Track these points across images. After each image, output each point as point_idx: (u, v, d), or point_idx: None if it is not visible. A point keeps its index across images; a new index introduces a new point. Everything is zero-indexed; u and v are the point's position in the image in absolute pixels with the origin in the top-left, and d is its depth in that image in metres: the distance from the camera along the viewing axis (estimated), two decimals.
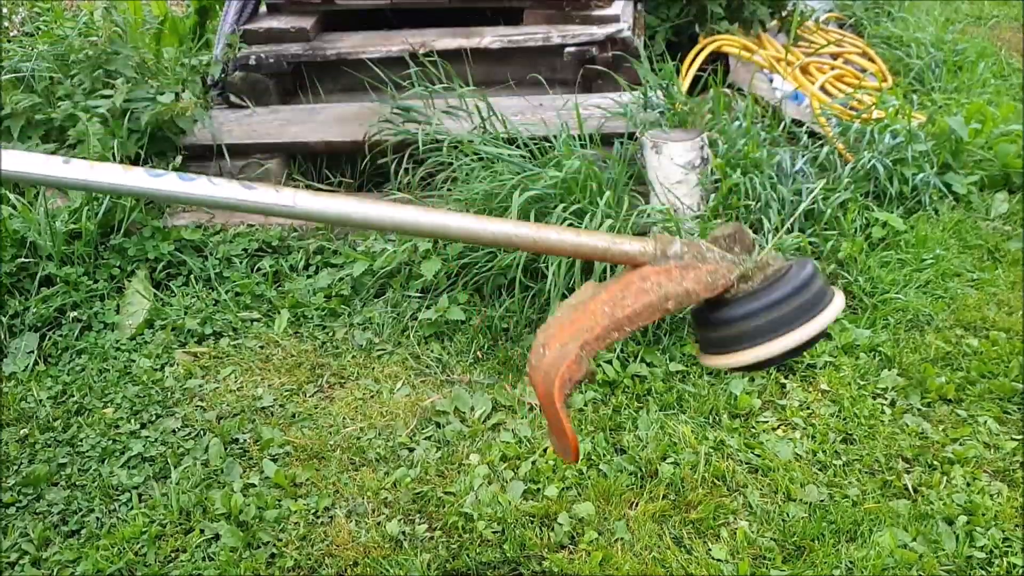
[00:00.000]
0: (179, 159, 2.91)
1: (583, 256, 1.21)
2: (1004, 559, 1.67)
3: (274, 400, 2.16)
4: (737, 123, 2.76)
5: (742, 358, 1.03)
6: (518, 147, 2.64)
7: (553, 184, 2.38)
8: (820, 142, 2.96)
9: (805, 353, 1.37)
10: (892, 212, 2.77)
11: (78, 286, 2.48)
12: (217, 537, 1.77)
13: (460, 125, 2.82)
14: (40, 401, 2.17)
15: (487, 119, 2.77)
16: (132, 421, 2.11)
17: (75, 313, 2.44)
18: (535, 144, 2.63)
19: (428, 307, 2.40)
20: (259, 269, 2.65)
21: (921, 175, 2.87)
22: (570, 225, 2.31)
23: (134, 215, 2.69)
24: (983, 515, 1.75)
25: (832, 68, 3.64)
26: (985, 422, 2.02)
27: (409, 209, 1.04)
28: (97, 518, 1.84)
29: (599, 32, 3.22)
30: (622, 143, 2.66)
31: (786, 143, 2.93)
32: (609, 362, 2.17)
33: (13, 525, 1.83)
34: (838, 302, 1.04)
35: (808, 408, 2.08)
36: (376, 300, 2.50)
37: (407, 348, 2.31)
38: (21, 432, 2.09)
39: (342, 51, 3.30)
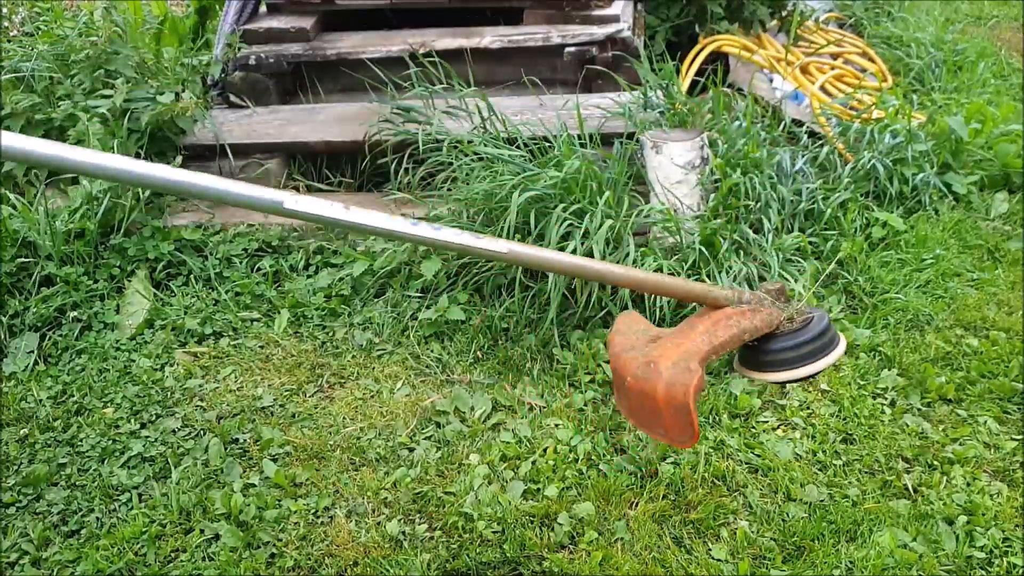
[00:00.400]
0: (179, 159, 2.91)
1: (679, 296, 1.66)
2: (1004, 559, 1.67)
3: (274, 400, 2.16)
4: (737, 123, 2.76)
5: (779, 376, 1.48)
6: (518, 147, 2.64)
7: (553, 184, 2.38)
8: (820, 142, 2.97)
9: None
10: (892, 212, 2.77)
11: (78, 286, 2.48)
12: (217, 537, 1.77)
13: (460, 125, 2.82)
14: (40, 401, 2.17)
15: (487, 119, 2.77)
16: (132, 421, 2.11)
17: (75, 313, 2.44)
18: (535, 144, 2.63)
19: (428, 307, 2.40)
20: (259, 269, 2.65)
21: (921, 175, 2.87)
22: (569, 225, 2.32)
23: (134, 215, 2.69)
24: (983, 515, 1.75)
25: (832, 68, 3.64)
26: (985, 422, 2.02)
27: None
28: (97, 518, 1.84)
29: (599, 32, 3.22)
30: (622, 143, 2.67)
31: (786, 143, 2.93)
32: (608, 361, 2.17)
33: (13, 525, 1.83)
34: (842, 346, 1.49)
35: (808, 408, 2.08)
36: (376, 300, 2.50)
37: (407, 348, 2.31)
38: (21, 432, 2.09)
39: (342, 51, 3.30)
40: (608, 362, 2.18)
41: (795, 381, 1.50)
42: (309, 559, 1.72)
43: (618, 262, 2.26)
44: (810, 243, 2.52)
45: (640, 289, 1.66)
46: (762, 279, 2.27)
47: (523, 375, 2.19)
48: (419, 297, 2.46)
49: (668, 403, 1.37)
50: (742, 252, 2.36)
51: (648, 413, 1.42)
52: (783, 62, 3.45)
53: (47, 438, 2.07)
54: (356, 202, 2.88)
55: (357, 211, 1.25)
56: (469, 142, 2.65)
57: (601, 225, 2.28)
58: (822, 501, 1.81)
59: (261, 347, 2.35)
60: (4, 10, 3.82)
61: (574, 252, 2.23)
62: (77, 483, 1.94)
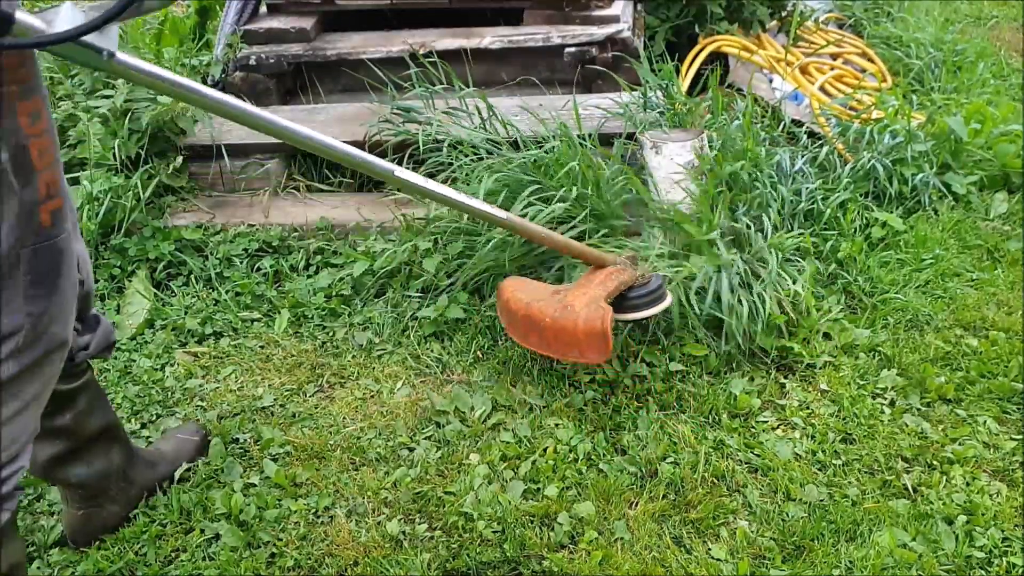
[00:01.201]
0: (179, 159, 2.91)
1: (574, 254, 2.07)
2: (1004, 559, 1.68)
3: (274, 400, 2.17)
4: (736, 123, 2.76)
5: (638, 315, 2.08)
6: (517, 147, 2.65)
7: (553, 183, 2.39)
8: (820, 142, 2.97)
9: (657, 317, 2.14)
10: (892, 212, 2.77)
11: None
12: (217, 537, 1.77)
13: (460, 125, 2.82)
14: None
15: (487, 119, 2.77)
16: (132, 421, 2.12)
17: None
18: (535, 144, 2.64)
19: (428, 306, 2.40)
20: (259, 269, 2.66)
21: (921, 175, 2.87)
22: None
23: (134, 215, 2.69)
24: (983, 515, 1.76)
25: (832, 68, 3.65)
26: (985, 422, 2.02)
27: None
28: None
29: (599, 32, 3.22)
30: (622, 143, 2.67)
31: (785, 143, 2.93)
32: (610, 362, 2.17)
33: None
34: (670, 298, 2.11)
35: (808, 408, 2.08)
36: (376, 300, 2.50)
37: (407, 348, 2.31)
38: None
39: (342, 51, 3.31)
40: (610, 362, 2.19)
41: (647, 318, 2.10)
42: (309, 559, 1.73)
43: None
44: (811, 243, 2.52)
45: (554, 247, 2.03)
46: (756, 276, 2.27)
47: (523, 375, 2.19)
48: (419, 297, 2.47)
49: (587, 332, 1.91)
50: (738, 250, 2.36)
51: (565, 344, 1.96)
52: (783, 62, 3.46)
53: None
54: (356, 202, 2.89)
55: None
56: (472, 147, 2.66)
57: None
58: (822, 501, 1.81)
59: (261, 347, 2.36)
60: None
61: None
62: None
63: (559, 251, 2.09)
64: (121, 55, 1.24)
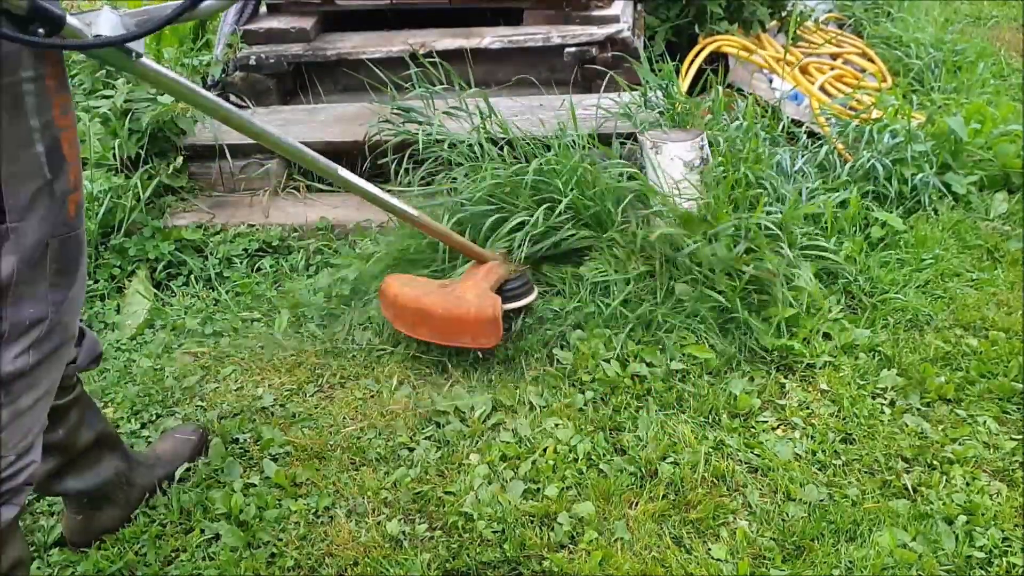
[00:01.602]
0: (180, 159, 2.91)
1: (452, 245, 2.27)
2: (1004, 559, 1.68)
3: (274, 400, 2.17)
4: (737, 123, 2.76)
5: (514, 304, 2.24)
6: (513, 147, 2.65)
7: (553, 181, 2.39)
8: (819, 142, 2.97)
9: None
10: (891, 212, 2.77)
11: None
12: (217, 537, 1.77)
13: (460, 125, 2.82)
14: None
15: (487, 118, 2.77)
16: (132, 421, 2.12)
17: None
18: (535, 145, 2.63)
19: None
20: (259, 269, 2.66)
21: (920, 175, 2.87)
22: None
23: (134, 215, 2.69)
24: (983, 515, 1.76)
25: (831, 68, 3.65)
26: (985, 422, 2.02)
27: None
28: None
29: (599, 32, 3.23)
30: (622, 143, 2.67)
31: (785, 143, 2.93)
32: (608, 361, 2.17)
33: None
34: (536, 291, 2.33)
35: (808, 408, 2.08)
36: (376, 300, 2.49)
37: (407, 348, 2.31)
38: None
39: (342, 51, 3.31)
40: (608, 361, 2.19)
41: (523, 307, 2.28)
42: (309, 559, 1.73)
43: None
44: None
45: (445, 241, 2.25)
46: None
47: (523, 375, 2.19)
48: None
49: (479, 319, 2.11)
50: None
51: (457, 331, 2.14)
52: (782, 62, 3.46)
53: None
54: (356, 202, 2.89)
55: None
56: (469, 146, 2.65)
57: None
58: (822, 501, 1.81)
59: (261, 347, 2.36)
60: None
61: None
62: None
63: (447, 243, 2.31)
64: (146, 59, 1.34)
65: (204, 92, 1.50)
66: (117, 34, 1.24)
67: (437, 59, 2.98)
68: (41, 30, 1.14)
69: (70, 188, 1.31)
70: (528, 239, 2.35)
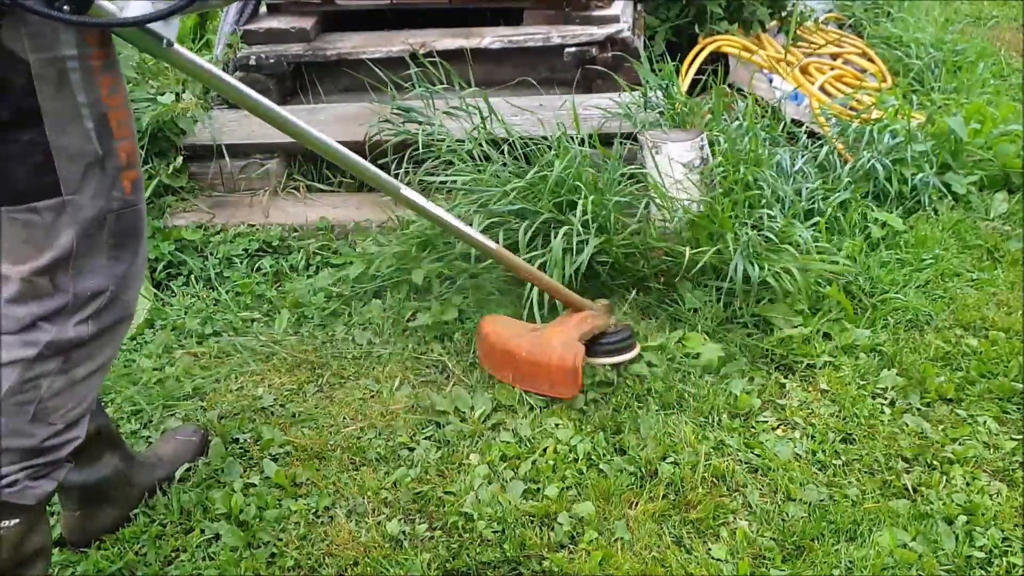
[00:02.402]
0: (180, 159, 2.91)
1: (554, 293, 2.21)
2: (1004, 559, 1.68)
3: (274, 400, 2.17)
4: (737, 123, 2.76)
5: (610, 360, 2.15)
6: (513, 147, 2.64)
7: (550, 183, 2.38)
8: (820, 142, 2.97)
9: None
10: (892, 212, 2.77)
11: None
12: (217, 537, 1.77)
13: (460, 125, 2.82)
14: None
15: (487, 117, 2.77)
16: (132, 421, 2.12)
17: None
18: (535, 144, 2.64)
19: (426, 310, 2.40)
20: (259, 269, 2.66)
21: (921, 175, 2.87)
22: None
23: None
24: (983, 515, 1.76)
25: (832, 68, 3.65)
26: (985, 422, 2.02)
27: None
28: None
29: (599, 32, 3.22)
30: (622, 143, 2.67)
31: (786, 143, 2.93)
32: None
33: None
34: (638, 348, 2.20)
35: (808, 408, 2.08)
36: (376, 300, 2.50)
37: (407, 348, 2.31)
38: None
39: (342, 51, 3.31)
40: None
41: (619, 364, 2.16)
42: (309, 559, 1.73)
43: None
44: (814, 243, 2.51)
45: (537, 284, 2.19)
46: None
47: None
48: (416, 297, 2.47)
49: (560, 368, 2.05)
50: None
51: (538, 377, 2.10)
52: (783, 62, 3.46)
53: None
54: (356, 202, 2.90)
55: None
56: (467, 152, 2.65)
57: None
58: (822, 501, 1.81)
59: (261, 347, 2.36)
60: None
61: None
62: None
63: (539, 287, 2.21)
64: (178, 47, 1.40)
65: (235, 82, 1.56)
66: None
67: (437, 59, 2.98)
68: (66, 7, 1.18)
69: (122, 164, 1.36)
70: (574, 250, 2.29)
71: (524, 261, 2.15)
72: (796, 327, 2.28)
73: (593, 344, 2.14)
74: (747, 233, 2.31)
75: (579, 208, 2.34)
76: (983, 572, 1.66)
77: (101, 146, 1.32)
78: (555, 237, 2.32)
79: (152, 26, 1.31)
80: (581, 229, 2.31)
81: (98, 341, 1.41)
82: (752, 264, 2.28)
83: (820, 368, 2.19)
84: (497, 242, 2.19)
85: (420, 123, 2.83)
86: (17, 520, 1.41)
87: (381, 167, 2.82)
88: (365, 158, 2.89)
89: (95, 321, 1.39)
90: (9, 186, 1.28)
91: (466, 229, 1.99)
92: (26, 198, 1.29)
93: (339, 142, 3.08)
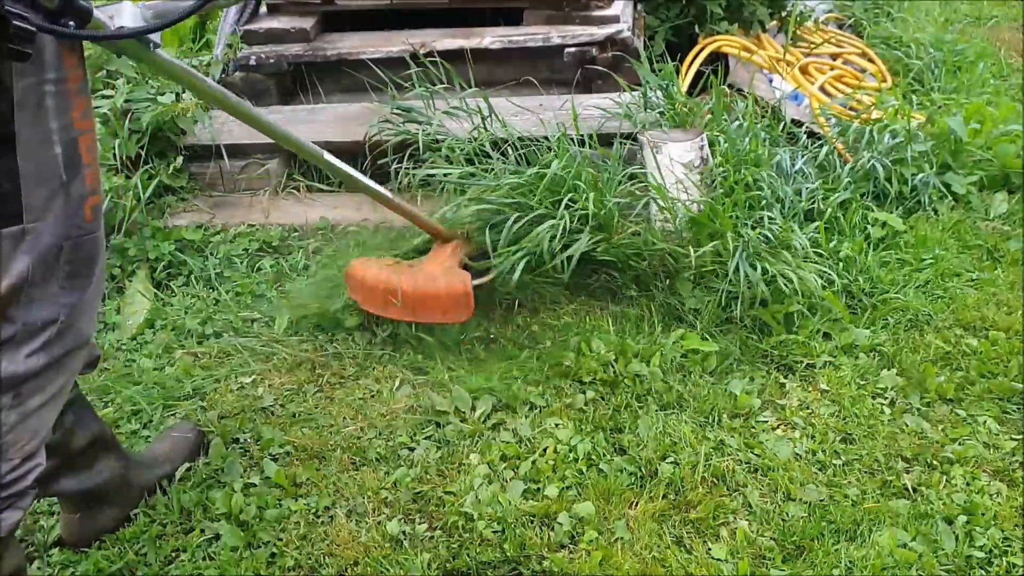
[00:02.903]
0: (180, 159, 2.91)
1: (420, 225, 2.36)
2: (1004, 559, 1.68)
3: (274, 400, 2.17)
4: (737, 123, 2.76)
5: (475, 281, 2.25)
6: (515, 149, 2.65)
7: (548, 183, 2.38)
8: (820, 142, 2.97)
9: None
10: (892, 212, 2.77)
11: None
12: (217, 537, 1.77)
13: (460, 125, 2.82)
14: None
15: (487, 117, 2.77)
16: (132, 421, 2.12)
17: None
18: (535, 145, 2.63)
19: None
20: (259, 269, 2.65)
21: (921, 175, 2.87)
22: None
23: (135, 215, 2.69)
24: (983, 515, 1.76)
25: (831, 68, 3.65)
26: (985, 422, 2.02)
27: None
28: None
29: (599, 32, 3.22)
30: (622, 143, 2.67)
31: (786, 143, 2.93)
32: (612, 362, 2.17)
33: None
34: (494, 271, 2.32)
35: (808, 408, 2.08)
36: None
37: (407, 348, 2.31)
38: None
39: (342, 52, 3.31)
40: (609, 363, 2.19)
41: (483, 283, 2.30)
42: (309, 559, 1.73)
43: None
44: (813, 243, 2.51)
45: (409, 218, 2.30)
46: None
47: (524, 375, 2.19)
48: None
49: (451, 292, 2.18)
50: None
51: (429, 308, 2.20)
52: (783, 62, 3.46)
53: None
54: (356, 202, 2.89)
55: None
56: (462, 151, 2.65)
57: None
58: (822, 501, 1.81)
59: (261, 347, 2.36)
60: None
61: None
62: None
63: (414, 223, 2.34)
64: (160, 50, 1.41)
65: (212, 83, 1.58)
66: (138, 25, 1.29)
67: (438, 59, 2.97)
68: (71, 23, 1.16)
69: (87, 191, 1.31)
70: (559, 242, 2.30)
71: (401, 200, 2.27)
72: (796, 327, 2.28)
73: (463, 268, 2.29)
74: (747, 233, 2.31)
75: (575, 203, 2.34)
76: (983, 572, 1.66)
77: (67, 173, 1.28)
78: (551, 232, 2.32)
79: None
80: (570, 222, 2.31)
81: (49, 371, 1.35)
82: (752, 265, 2.28)
83: (820, 368, 2.19)
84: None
85: (420, 123, 2.83)
86: None
87: (381, 167, 2.85)
88: (365, 158, 2.92)
89: (45, 353, 1.33)
90: None
91: (363, 179, 2.10)
92: None
93: (339, 142, 3.10)
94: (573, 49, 3.22)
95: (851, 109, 3.23)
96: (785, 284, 2.27)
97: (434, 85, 2.92)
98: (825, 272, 2.39)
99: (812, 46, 3.88)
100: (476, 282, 2.27)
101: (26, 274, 1.27)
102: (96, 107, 2.79)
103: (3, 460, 1.34)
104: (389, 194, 2.16)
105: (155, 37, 1.36)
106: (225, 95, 1.63)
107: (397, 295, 2.19)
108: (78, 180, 1.30)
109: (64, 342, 1.35)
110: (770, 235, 2.37)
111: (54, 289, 1.32)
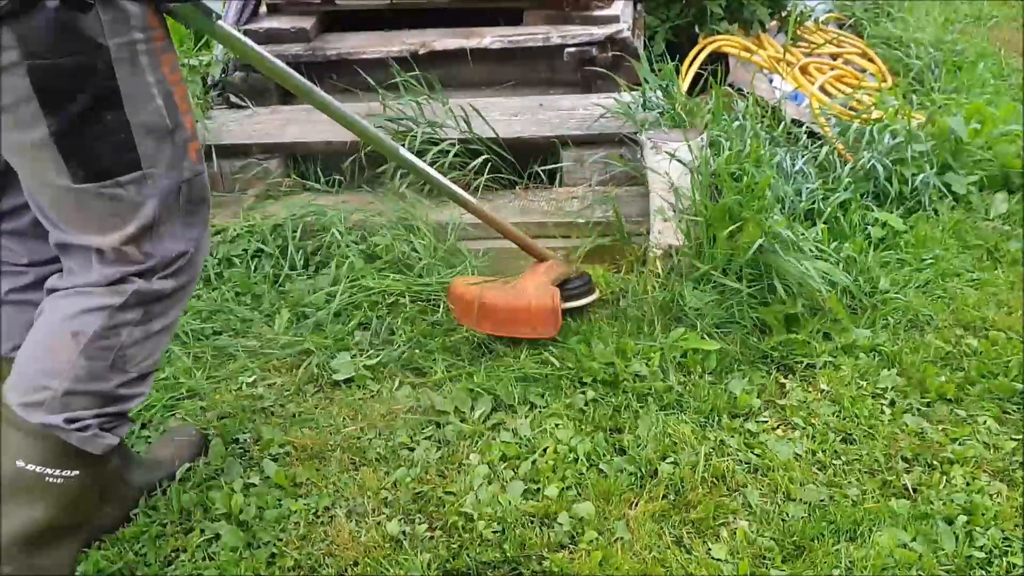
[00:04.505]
0: None
1: (513, 239, 2.35)
2: (1004, 559, 1.68)
3: (274, 400, 2.17)
4: (737, 123, 2.76)
5: (574, 304, 2.34)
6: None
7: None
8: (820, 142, 2.97)
9: None
10: (892, 212, 2.77)
11: None
12: (217, 537, 1.77)
13: (459, 126, 2.82)
14: None
15: (468, 118, 2.77)
16: (132, 421, 2.11)
17: None
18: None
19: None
20: (259, 269, 2.65)
21: (921, 175, 2.87)
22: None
23: None
24: (983, 515, 1.75)
25: (832, 68, 3.64)
26: (985, 422, 2.02)
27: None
28: None
29: (599, 32, 3.22)
30: (622, 143, 2.67)
31: (786, 143, 2.93)
32: (613, 362, 2.17)
33: None
34: (597, 293, 2.41)
35: (808, 408, 2.08)
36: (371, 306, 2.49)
37: (407, 348, 2.31)
38: None
39: (342, 51, 3.30)
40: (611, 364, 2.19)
41: (584, 306, 2.37)
42: (309, 559, 1.73)
43: None
44: (815, 242, 2.51)
45: (508, 236, 2.32)
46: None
47: (524, 374, 2.19)
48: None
49: (539, 308, 2.23)
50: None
51: (518, 322, 2.25)
52: (783, 62, 3.46)
53: None
54: (356, 202, 2.89)
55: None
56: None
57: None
58: (822, 501, 1.81)
59: (261, 347, 2.35)
60: None
61: None
62: None
63: (509, 239, 2.35)
64: (222, 22, 1.53)
65: (279, 62, 1.68)
66: None
67: (437, 60, 2.97)
68: None
69: (189, 136, 1.48)
70: None
71: (496, 214, 2.30)
72: (796, 328, 2.27)
73: (561, 289, 2.31)
74: (777, 229, 2.30)
75: None
76: (983, 572, 1.66)
77: (171, 120, 1.44)
78: None
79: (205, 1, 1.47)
80: None
81: (173, 297, 1.55)
82: (752, 265, 2.28)
83: (820, 368, 2.19)
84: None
85: (418, 124, 2.84)
86: (77, 472, 1.52)
87: (379, 167, 2.86)
88: (364, 158, 2.92)
89: (175, 278, 1.53)
90: (94, 163, 1.38)
91: (451, 185, 2.14)
92: (111, 174, 1.40)
93: (338, 142, 3.10)
94: (573, 49, 3.22)
95: (851, 109, 3.22)
96: (794, 284, 2.27)
97: (432, 88, 2.92)
98: (827, 274, 2.39)
99: (812, 46, 3.88)
100: (573, 304, 2.34)
101: (154, 215, 1.45)
102: None
103: (121, 371, 1.51)
104: (474, 200, 2.19)
105: (216, 7, 1.48)
106: (289, 74, 1.71)
107: (488, 311, 2.25)
108: (180, 127, 1.46)
109: (190, 271, 1.56)
110: (783, 234, 2.36)
111: (179, 225, 1.51)
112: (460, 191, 2.16)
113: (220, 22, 1.52)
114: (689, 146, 2.48)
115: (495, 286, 2.31)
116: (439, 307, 2.42)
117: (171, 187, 1.46)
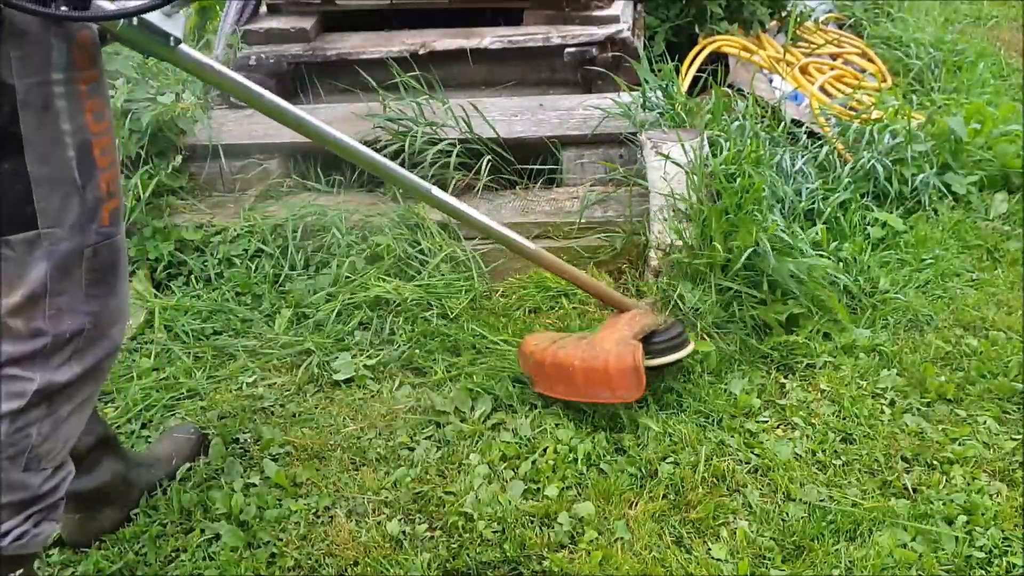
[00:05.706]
0: (180, 159, 2.91)
1: (597, 294, 2.15)
2: (1004, 559, 1.68)
3: (274, 400, 2.17)
4: (737, 123, 2.76)
5: (661, 360, 2.02)
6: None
7: None
8: (820, 142, 2.97)
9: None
10: (892, 212, 2.77)
11: None
12: (217, 537, 1.77)
13: (459, 127, 2.82)
14: None
15: (468, 118, 2.77)
16: (132, 421, 2.12)
17: None
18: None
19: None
20: (259, 269, 2.65)
21: (921, 175, 2.87)
22: None
23: (135, 215, 2.69)
24: (983, 515, 1.76)
25: (831, 68, 3.65)
26: (985, 422, 2.02)
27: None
28: None
29: (599, 32, 3.22)
30: (622, 143, 2.67)
31: (786, 143, 2.93)
32: None
33: None
34: (691, 345, 2.09)
35: (808, 408, 2.08)
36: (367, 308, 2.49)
37: (407, 348, 2.31)
38: None
39: (342, 52, 3.30)
40: None
41: (672, 363, 2.04)
42: (310, 559, 1.73)
43: None
44: (814, 242, 2.51)
45: (578, 285, 2.11)
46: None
47: (523, 374, 2.19)
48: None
49: (619, 368, 1.91)
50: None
51: (596, 384, 1.94)
52: (783, 62, 3.46)
53: None
54: (356, 202, 2.89)
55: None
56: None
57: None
58: (822, 501, 1.81)
59: (261, 347, 2.36)
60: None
61: None
62: None
63: (583, 289, 2.11)
64: (186, 47, 1.31)
65: (251, 84, 1.51)
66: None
67: (437, 60, 2.97)
68: (64, 8, 1.12)
69: (103, 196, 1.29)
70: None
71: (563, 261, 2.04)
72: (795, 328, 2.28)
73: (645, 343, 1.98)
74: (775, 228, 2.31)
75: None
76: (983, 572, 1.66)
77: (81, 176, 1.25)
78: None
79: (157, 23, 1.24)
80: None
81: (80, 382, 1.35)
82: (752, 265, 2.28)
83: (820, 368, 2.19)
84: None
85: (418, 124, 2.83)
86: (21, 571, 1.39)
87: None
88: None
89: (78, 362, 1.33)
90: None
91: (505, 231, 1.90)
92: (0, 231, 1.22)
93: None
94: (573, 49, 3.22)
95: (851, 109, 3.23)
96: (793, 284, 2.27)
97: (432, 87, 2.92)
98: (828, 274, 2.39)
99: (812, 46, 3.88)
100: (660, 361, 2.00)
101: (45, 281, 1.25)
102: None
103: (38, 471, 1.35)
104: (531, 245, 1.94)
105: (176, 32, 1.28)
106: (258, 93, 1.55)
107: (563, 371, 1.97)
108: (93, 184, 1.26)
109: (96, 350, 1.35)
110: (783, 235, 2.37)
111: (79, 298, 1.30)
112: (516, 236, 1.91)
113: (182, 47, 1.31)
114: (688, 147, 2.48)
115: (569, 342, 2.03)
116: (439, 307, 2.42)
117: (71, 252, 1.26)
